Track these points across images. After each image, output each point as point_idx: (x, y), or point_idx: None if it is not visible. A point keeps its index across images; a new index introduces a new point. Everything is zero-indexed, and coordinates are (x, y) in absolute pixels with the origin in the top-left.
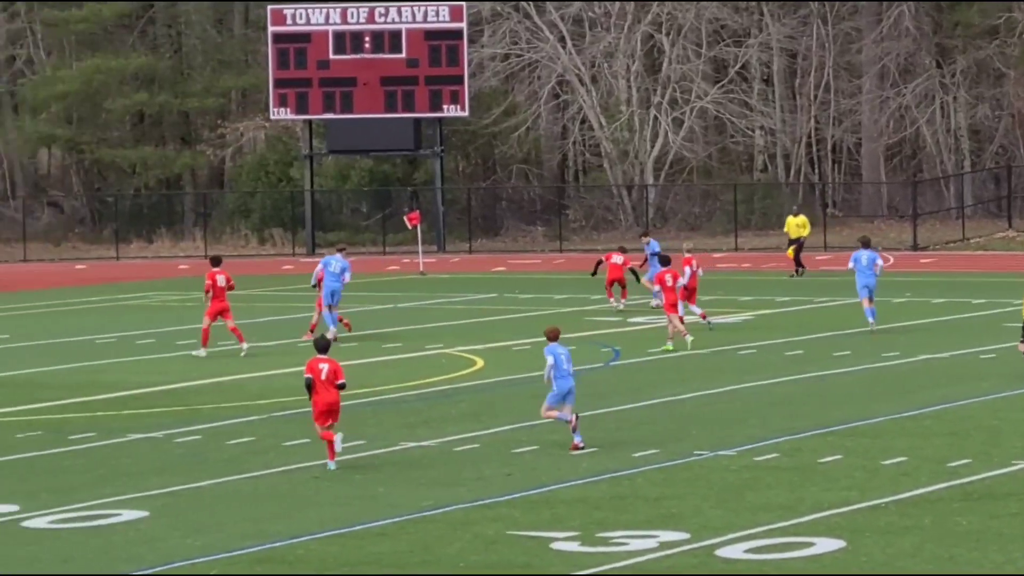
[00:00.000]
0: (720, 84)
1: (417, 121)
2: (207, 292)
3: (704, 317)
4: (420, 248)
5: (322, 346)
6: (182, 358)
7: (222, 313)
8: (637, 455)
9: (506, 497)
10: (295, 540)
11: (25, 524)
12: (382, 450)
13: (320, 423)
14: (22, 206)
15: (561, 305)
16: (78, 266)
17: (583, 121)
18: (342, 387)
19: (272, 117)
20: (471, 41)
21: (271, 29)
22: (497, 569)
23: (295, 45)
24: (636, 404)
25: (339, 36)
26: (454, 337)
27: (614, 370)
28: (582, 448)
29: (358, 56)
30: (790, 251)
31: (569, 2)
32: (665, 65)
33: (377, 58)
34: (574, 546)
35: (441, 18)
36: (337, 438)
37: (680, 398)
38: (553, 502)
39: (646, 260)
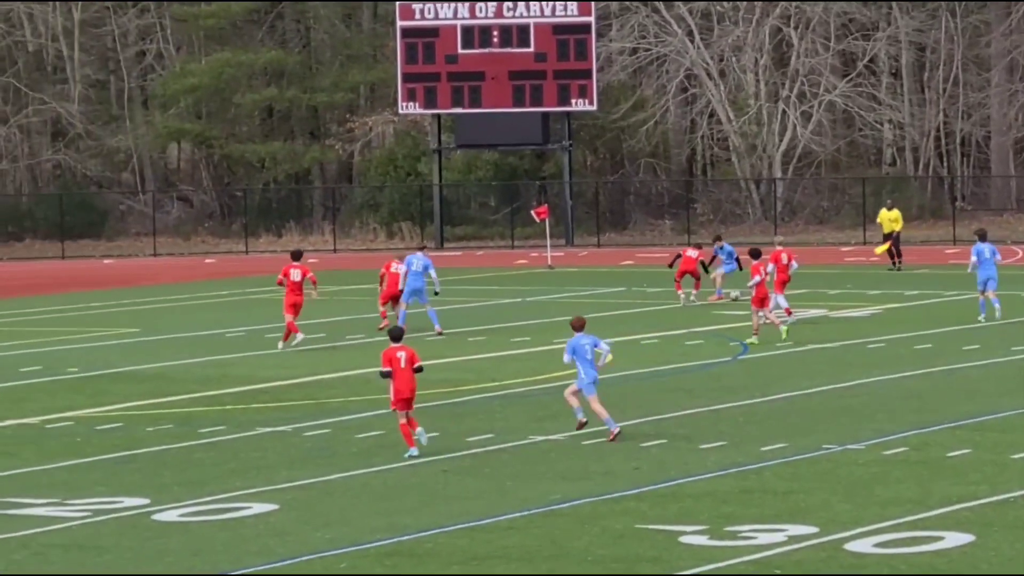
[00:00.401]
0: (848, 78)
1: (545, 115)
2: (279, 284)
3: (789, 312)
4: (548, 242)
5: (396, 335)
6: (311, 352)
7: (296, 306)
8: (765, 449)
9: (634, 491)
10: (424, 533)
11: (155, 517)
12: (511, 444)
13: (400, 409)
14: (152, 201)
15: (700, 299)
16: (207, 260)
17: (711, 115)
18: (419, 370)
19: (400, 112)
20: (599, 35)
21: (400, 24)
22: (625, 563)
23: (423, 40)
24: (764, 398)
25: (467, 30)
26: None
27: (742, 364)
28: (616, 432)
29: (486, 50)
30: (882, 247)
31: None
32: (793, 59)
33: (505, 52)
34: (702, 540)
35: (569, 12)
36: (420, 432)
37: (808, 392)
38: (681, 496)
39: (714, 258)
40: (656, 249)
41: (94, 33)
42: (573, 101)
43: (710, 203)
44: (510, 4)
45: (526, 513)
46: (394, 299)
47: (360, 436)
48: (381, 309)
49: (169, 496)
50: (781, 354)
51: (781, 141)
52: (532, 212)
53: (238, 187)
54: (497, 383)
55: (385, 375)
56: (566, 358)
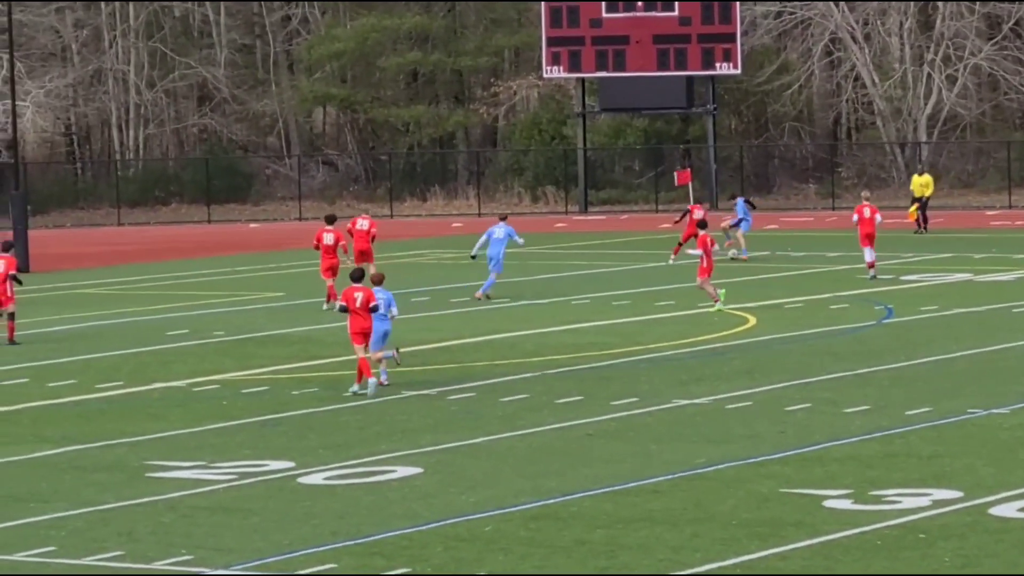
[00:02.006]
0: (994, 41)
1: (690, 79)
2: (315, 248)
3: (872, 266)
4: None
5: (356, 276)
6: (456, 315)
7: (332, 269)
8: (910, 413)
9: (778, 455)
10: (569, 497)
11: (301, 480)
12: (655, 407)
13: (357, 343)
14: (297, 165)
15: (833, 263)
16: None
17: (856, 79)
18: (374, 309)
19: (545, 76)
20: None
21: None
22: (770, 526)
23: (568, 3)
24: (909, 362)
25: None
26: (726, 295)
27: (887, 327)
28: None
29: (631, 14)
30: (913, 210)
31: None
32: (938, 22)
33: (650, 16)
34: (847, 504)
35: None
36: (372, 382)
37: (953, 356)
38: (825, 460)
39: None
40: (801, 213)
41: None
42: (717, 65)
43: (854, 167)
44: None
45: (670, 476)
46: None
47: (505, 399)
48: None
49: (314, 459)
50: (926, 318)
51: (926, 105)
52: (674, 175)
53: (383, 151)
54: (642, 347)
55: (343, 310)
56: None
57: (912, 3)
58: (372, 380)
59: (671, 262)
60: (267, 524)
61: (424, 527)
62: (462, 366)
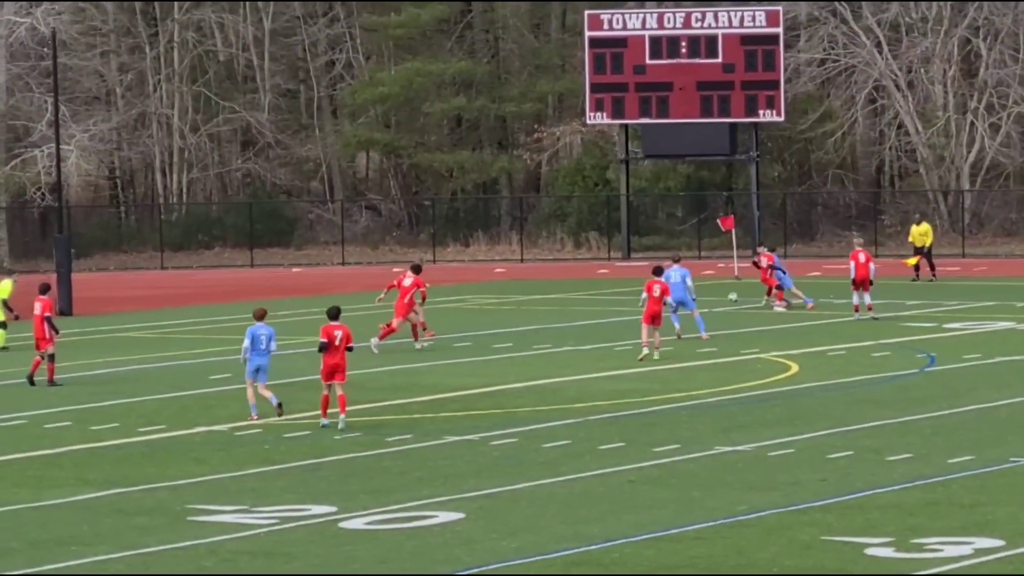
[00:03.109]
0: None
1: (733, 126)
2: (388, 289)
3: (870, 308)
4: (735, 252)
5: (333, 314)
6: (499, 361)
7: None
8: (952, 461)
9: (820, 502)
10: (610, 543)
11: (343, 525)
12: (698, 454)
13: (325, 380)
14: (340, 209)
15: (876, 311)
16: (395, 269)
17: (899, 126)
18: (350, 350)
19: (588, 122)
20: (787, 46)
21: (588, 34)
22: (811, 574)
23: (612, 50)
24: (952, 410)
25: (655, 41)
26: (769, 342)
27: (929, 375)
28: (255, 420)
29: (674, 61)
30: (913, 260)
31: (887, 4)
32: (982, 70)
33: (693, 63)
34: (888, 552)
35: (758, 23)
36: (342, 419)
37: (996, 404)
38: (867, 508)
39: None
40: (844, 260)
41: (284, 43)
42: (761, 112)
43: (898, 214)
44: (698, 14)
45: (712, 523)
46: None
47: (547, 445)
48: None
49: (356, 504)
50: (969, 366)
51: (969, 153)
52: (718, 221)
53: (426, 196)
54: (684, 393)
55: (321, 348)
56: (246, 342)
57: (956, 51)
58: (343, 417)
59: (777, 307)
60: (308, 569)
61: (465, 572)
62: (505, 411)
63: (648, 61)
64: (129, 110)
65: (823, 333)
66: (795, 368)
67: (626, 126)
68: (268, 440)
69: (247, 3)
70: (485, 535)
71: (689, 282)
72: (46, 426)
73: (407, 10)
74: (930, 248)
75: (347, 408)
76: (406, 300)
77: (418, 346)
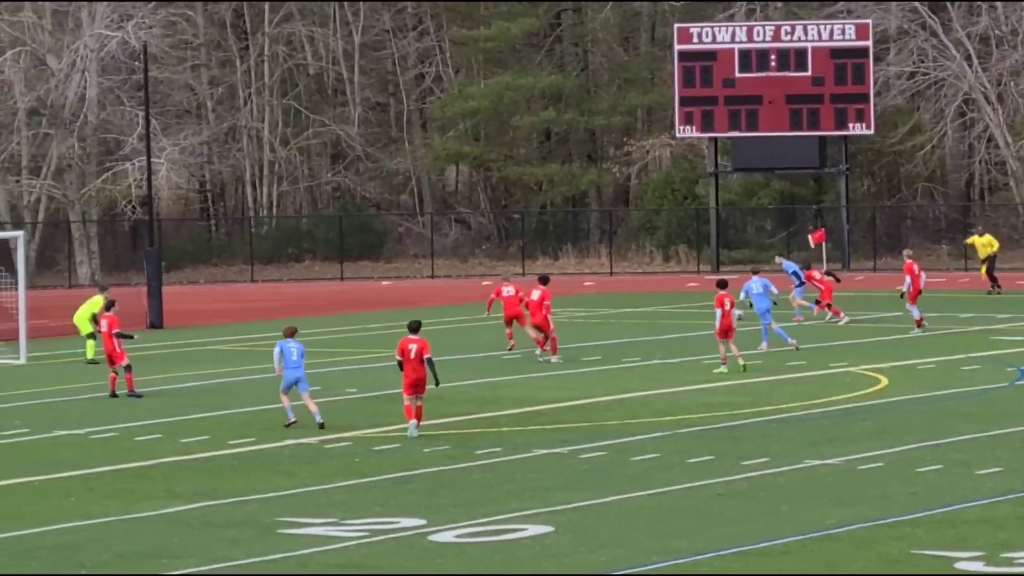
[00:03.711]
0: None
1: (822, 139)
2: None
3: (920, 324)
4: (825, 266)
5: (414, 327)
6: (588, 374)
7: (518, 318)
8: None
9: (910, 516)
10: (699, 557)
11: (432, 538)
12: (786, 467)
13: (407, 394)
14: (430, 222)
15: (966, 324)
16: (484, 282)
17: (989, 139)
18: (429, 363)
19: (677, 135)
20: (877, 59)
21: (677, 47)
22: None
23: (701, 63)
24: None
25: (745, 54)
26: (858, 355)
27: (1019, 389)
28: (292, 422)
29: (764, 74)
30: (983, 270)
31: (977, 16)
32: None
33: (783, 76)
34: (978, 566)
35: (847, 36)
36: (413, 424)
37: None
38: (957, 522)
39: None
40: (933, 274)
41: (374, 56)
42: (850, 125)
43: (987, 228)
44: (788, 28)
45: (801, 537)
46: (516, 319)
47: (636, 458)
48: (507, 331)
49: (445, 517)
50: None
51: None
52: (808, 236)
53: (515, 209)
54: (773, 407)
55: (399, 365)
56: (276, 351)
57: None
58: (414, 423)
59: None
60: None
61: None
62: (593, 425)
63: (738, 74)
64: (219, 123)
65: (913, 346)
66: (884, 381)
67: (715, 139)
68: (358, 453)
69: (337, 17)
70: (574, 548)
71: (773, 289)
72: (136, 439)
73: (497, 24)
74: (994, 256)
75: (431, 420)
76: (544, 313)
77: (553, 359)
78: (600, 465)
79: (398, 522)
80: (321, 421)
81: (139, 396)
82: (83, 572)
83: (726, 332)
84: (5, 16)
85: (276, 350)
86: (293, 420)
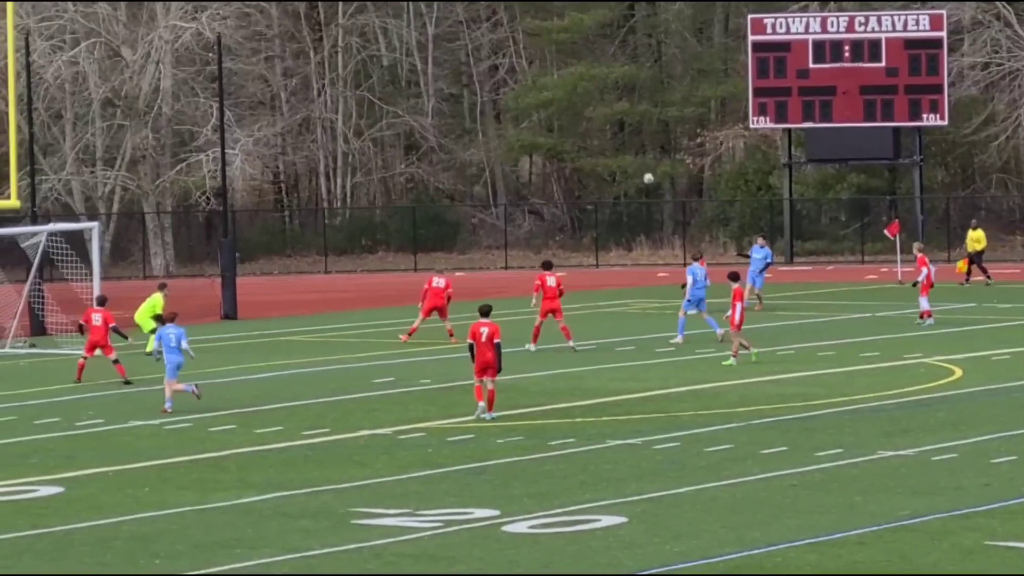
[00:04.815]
0: None
1: (896, 130)
2: (536, 292)
3: (929, 315)
4: (899, 257)
5: (485, 311)
6: (661, 365)
7: (553, 313)
8: None
9: (984, 507)
10: (773, 548)
11: (505, 529)
12: (860, 459)
13: (478, 376)
14: (504, 214)
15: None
16: (559, 273)
17: None
18: (497, 347)
19: (751, 126)
20: (951, 50)
21: (751, 38)
22: None
23: (775, 54)
24: None
25: (819, 45)
26: (932, 346)
27: None
28: (168, 412)
29: (838, 65)
30: (962, 263)
31: None
32: None
33: (857, 67)
34: None
35: (921, 27)
36: (482, 407)
37: None
38: None
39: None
40: (1008, 265)
41: (447, 47)
42: (924, 116)
43: None
44: (862, 18)
45: (875, 528)
46: (437, 311)
47: (709, 449)
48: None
49: (519, 507)
50: None
51: None
52: (885, 231)
53: (589, 200)
54: (846, 398)
55: (469, 349)
56: (155, 345)
57: None
58: (484, 407)
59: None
60: (471, 572)
61: None
62: (667, 416)
63: (811, 65)
64: (293, 115)
65: (987, 337)
66: (959, 372)
67: (789, 130)
68: (431, 444)
69: (411, 8)
70: (648, 539)
71: (707, 281)
72: (211, 429)
73: (570, 15)
74: (981, 253)
75: (505, 411)
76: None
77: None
78: (674, 456)
79: (472, 513)
80: (195, 385)
81: (131, 384)
82: (158, 562)
83: (739, 325)
84: (80, 8)
85: (156, 339)
86: (168, 408)
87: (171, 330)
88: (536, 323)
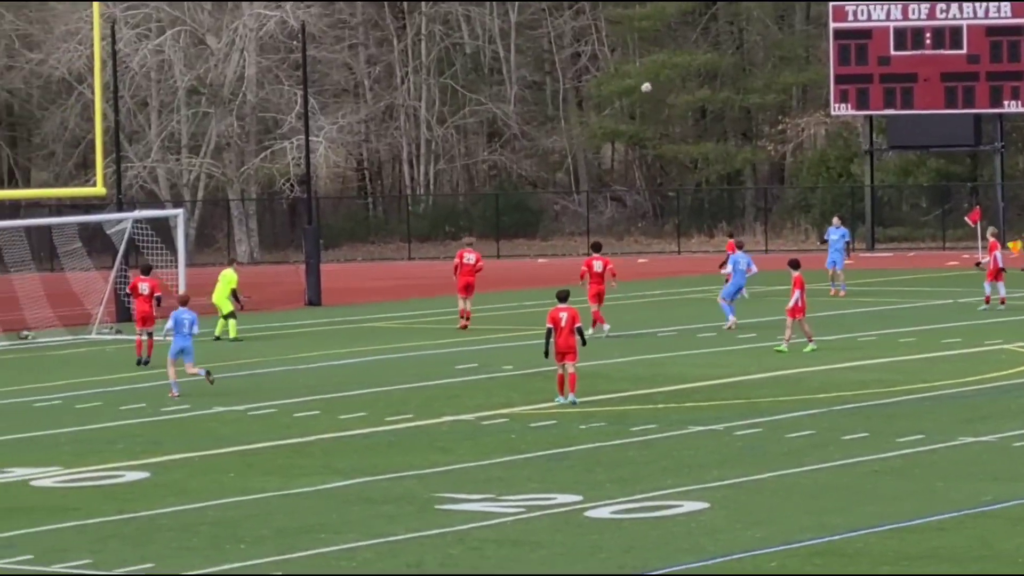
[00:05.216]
0: None
1: (977, 117)
2: (582, 278)
3: (1003, 301)
4: (980, 244)
5: (563, 296)
6: (742, 351)
7: (599, 296)
8: None
9: None
10: (853, 533)
11: (588, 514)
12: (940, 445)
13: (559, 362)
14: (586, 200)
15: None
16: (640, 260)
17: None
18: (579, 331)
19: (833, 113)
20: None
21: (832, 25)
22: None
23: (856, 41)
24: None
25: (900, 32)
26: (1013, 332)
27: None
28: (176, 396)
29: (919, 52)
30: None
31: None
32: None
33: (938, 54)
34: None
35: (1003, 14)
36: (572, 398)
37: None
38: None
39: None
40: None
41: (530, 35)
42: (1006, 103)
43: None
44: (943, 5)
45: (956, 514)
46: (466, 288)
47: (791, 436)
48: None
49: (601, 493)
50: None
51: None
52: (966, 218)
53: (670, 187)
54: (927, 384)
55: (547, 333)
56: (169, 323)
57: None
58: (572, 397)
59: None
60: (554, 557)
61: (709, 561)
62: (748, 402)
63: (893, 52)
64: (377, 102)
65: None
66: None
67: (870, 117)
68: (514, 429)
69: None
70: (729, 525)
71: (754, 268)
72: (295, 415)
73: (652, 2)
74: None
75: (588, 397)
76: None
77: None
78: (755, 442)
79: (554, 498)
80: (207, 371)
81: (146, 362)
82: (242, 547)
83: (796, 312)
84: None
85: (170, 320)
86: (176, 395)
87: (186, 315)
88: (592, 310)
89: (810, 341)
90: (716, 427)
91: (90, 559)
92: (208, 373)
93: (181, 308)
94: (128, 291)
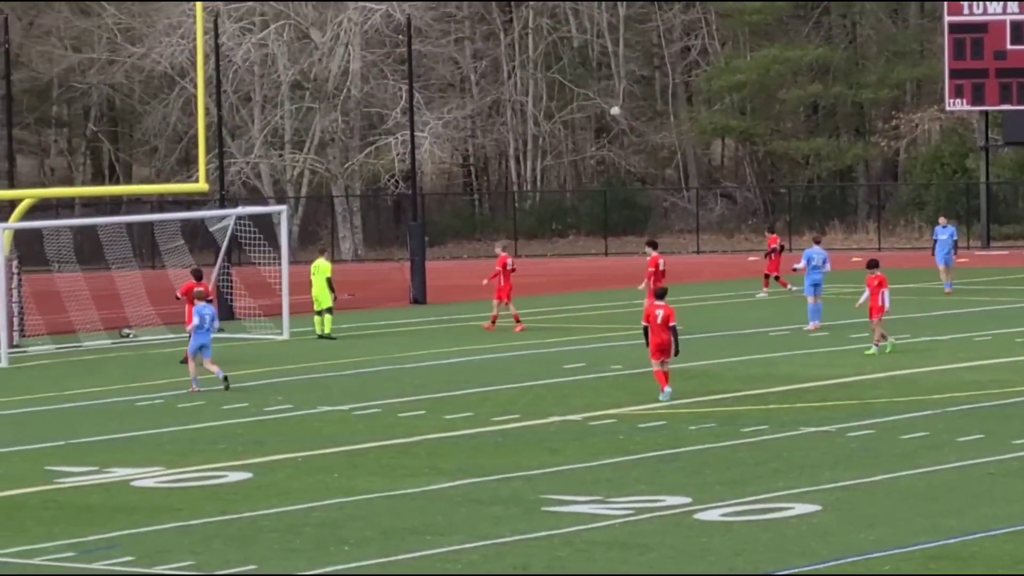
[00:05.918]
0: None
1: None
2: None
3: None
4: None
5: (660, 294)
6: (855, 351)
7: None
8: None
9: None
10: (969, 537)
11: (697, 516)
12: None
13: (654, 359)
14: (695, 197)
15: None
16: (750, 258)
17: None
18: (673, 330)
19: (947, 108)
20: None
21: (947, 19)
22: None
23: (972, 35)
24: None
25: (1016, 26)
26: None
27: None
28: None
29: None
30: None
31: None
32: None
33: None
34: None
35: None
36: (668, 392)
37: None
38: None
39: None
40: None
41: (639, 29)
42: None
43: None
44: None
45: None
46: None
47: (904, 437)
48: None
49: (711, 495)
50: None
51: None
52: None
53: (781, 184)
54: None
55: (644, 332)
56: (195, 320)
57: None
58: (668, 390)
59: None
60: (663, 560)
61: (822, 565)
62: (862, 402)
63: (1009, 47)
64: (483, 97)
65: None
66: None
67: (986, 112)
68: (622, 430)
69: None
70: (842, 528)
71: (828, 266)
72: (400, 415)
73: None
74: None
75: (698, 398)
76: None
77: None
78: (868, 443)
79: (663, 500)
80: (224, 376)
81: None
82: (347, 548)
83: (873, 312)
84: None
85: (195, 316)
86: (196, 389)
87: (207, 310)
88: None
89: (875, 345)
90: (828, 428)
91: (192, 560)
92: (226, 379)
93: (203, 304)
94: (181, 295)
